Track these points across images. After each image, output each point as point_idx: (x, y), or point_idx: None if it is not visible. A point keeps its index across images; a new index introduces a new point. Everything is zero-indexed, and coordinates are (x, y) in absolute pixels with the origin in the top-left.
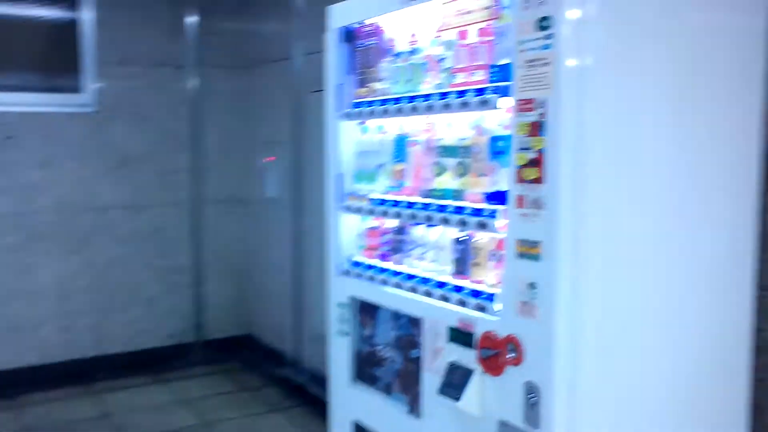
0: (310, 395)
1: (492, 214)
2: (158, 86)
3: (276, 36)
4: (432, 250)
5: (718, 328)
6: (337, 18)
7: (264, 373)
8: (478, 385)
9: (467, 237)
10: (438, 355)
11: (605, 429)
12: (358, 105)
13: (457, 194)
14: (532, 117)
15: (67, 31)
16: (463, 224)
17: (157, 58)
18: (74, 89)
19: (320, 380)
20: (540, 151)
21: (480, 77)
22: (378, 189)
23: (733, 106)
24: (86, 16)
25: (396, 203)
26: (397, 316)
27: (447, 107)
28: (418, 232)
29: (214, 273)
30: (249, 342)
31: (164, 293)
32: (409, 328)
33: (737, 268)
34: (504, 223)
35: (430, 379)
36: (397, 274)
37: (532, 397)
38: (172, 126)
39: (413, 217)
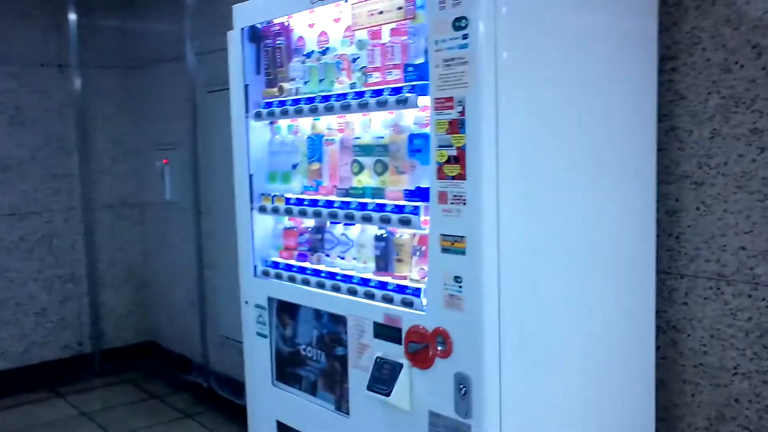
0: (220, 399)
1: (415, 211)
2: (39, 87)
3: (167, 35)
4: (352, 248)
5: (628, 311)
6: (242, 17)
7: (170, 380)
8: (407, 379)
9: (388, 234)
10: (364, 352)
11: (532, 411)
12: (268, 105)
13: (376, 192)
14: (451, 115)
15: None
16: (385, 221)
17: (36, 58)
18: None
19: (230, 384)
20: (461, 148)
21: (395, 76)
22: (293, 189)
23: (633, 102)
24: None
25: (314, 202)
26: (318, 315)
27: (364, 106)
28: (337, 230)
29: (111, 280)
30: (151, 349)
31: (57, 303)
32: (332, 326)
33: (642, 254)
34: (427, 219)
35: (358, 375)
36: (317, 273)
37: (462, 387)
38: (58, 128)
39: (333, 216)
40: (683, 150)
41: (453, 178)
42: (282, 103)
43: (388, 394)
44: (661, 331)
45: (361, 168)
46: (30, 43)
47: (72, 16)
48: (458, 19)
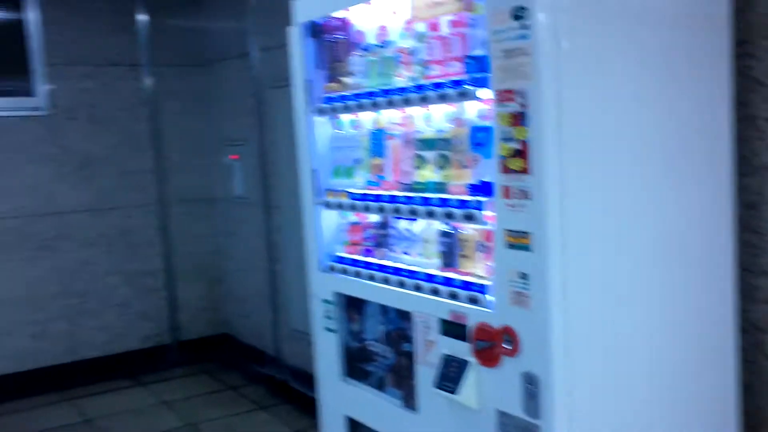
0: (293, 392)
1: (479, 206)
2: (113, 86)
3: (231, 32)
4: (417, 244)
5: (704, 310)
6: (302, 12)
7: (244, 372)
8: (475, 377)
9: (453, 229)
10: (431, 349)
11: (604, 414)
12: (330, 100)
13: (439, 187)
14: (513, 107)
15: (13, 32)
16: (449, 216)
17: (109, 58)
18: (25, 92)
19: (303, 377)
20: (524, 141)
21: (455, 69)
22: (357, 184)
23: (705, 90)
24: (31, 16)
25: (378, 197)
26: (385, 310)
27: (425, 100)
28: (401, 226)
29: (186, 274)
30: (226, 341)
31: (136, 296)
32: (398, 322)
33: (718, 250)
34: (491, 214)
35: (425, 372)
36: (383, 268)
37: (530, 387)
38: (132, 126)
39: (396, 211)
40: (763, 140)
41: (517, 172)
42: (343, 98)
43: (455, 392)
44: (744, 331)
45: (424, 162)
46: (102, 44)
47: (141, 17)
48: (517, 9)
